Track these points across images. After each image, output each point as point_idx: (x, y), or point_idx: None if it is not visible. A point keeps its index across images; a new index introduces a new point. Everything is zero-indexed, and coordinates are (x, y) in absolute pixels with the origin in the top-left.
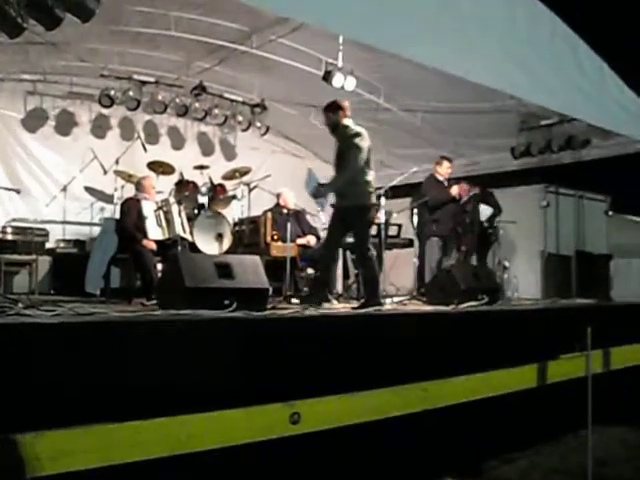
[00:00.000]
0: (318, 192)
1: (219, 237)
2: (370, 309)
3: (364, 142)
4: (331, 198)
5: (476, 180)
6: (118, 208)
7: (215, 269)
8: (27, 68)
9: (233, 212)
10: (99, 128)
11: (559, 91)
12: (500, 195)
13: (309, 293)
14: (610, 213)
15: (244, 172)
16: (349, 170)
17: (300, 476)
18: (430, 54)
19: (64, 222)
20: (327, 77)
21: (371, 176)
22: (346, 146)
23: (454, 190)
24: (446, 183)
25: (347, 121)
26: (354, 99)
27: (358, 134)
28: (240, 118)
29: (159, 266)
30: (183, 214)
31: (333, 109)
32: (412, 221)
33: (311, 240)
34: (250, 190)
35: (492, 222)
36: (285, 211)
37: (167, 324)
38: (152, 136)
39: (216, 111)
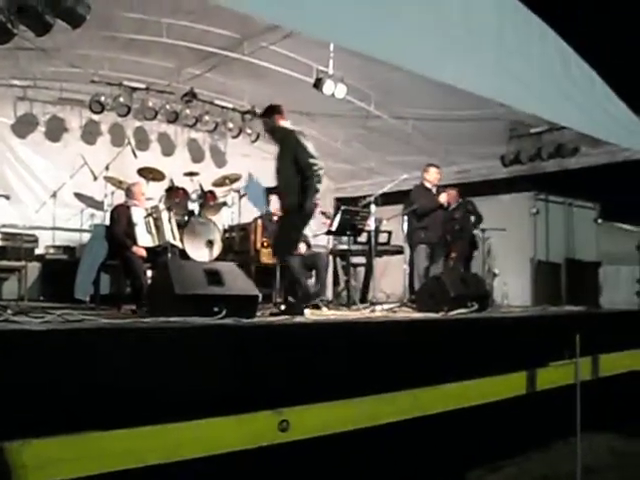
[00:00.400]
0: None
1: (209, 244)
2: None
3: (306, 140)
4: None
5: (466, 188)
6: (108, 214)
7: (205, 276)
8: (17, 74)
9: (223, 219)
10: (89, 134)
11: (549, 99)
12: (490, 203)
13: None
14: (599, 221)
15: (234, 179)
16: (308, 169)
17: None
18: (420, 62)
19: (54, 228)
20: (318, 84)
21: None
22: (287, 147)
23: (442, 198)
24: (435, 190)
25: (284, 123)
26: (345, 107)
27: (299, 132)
28: (231, 125)
29: (149, 273)
30: (173, 221)
31: (269, 113)
32: (402, 228)
33: (301, 247)
34: (240, 197)
35: (473, 230)
36: (275, 218)
37: (157, 331)
38: (142, 142)
39: (207, 118)
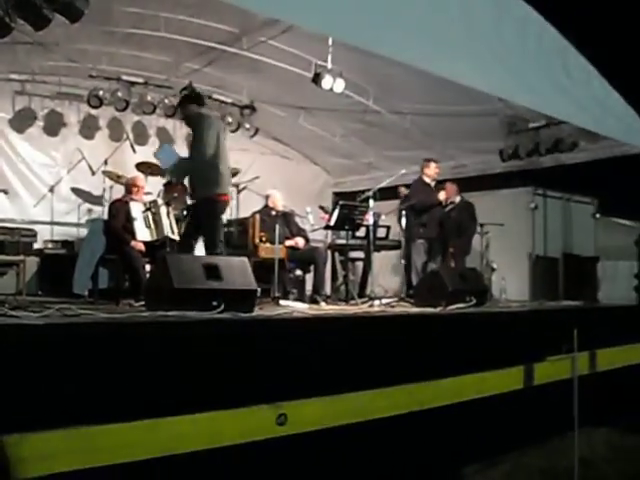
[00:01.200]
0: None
1: None
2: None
3: (212, 129)
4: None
5: (464, 182)
6: (106, 209)
7: (203, 270)
8: (15, 68)
9: None
10: (88, 129)
11: (546, 93)
12: (488, 197)
13: None
14: (597, 216)
15: (233, 173)
16: (199, 156)
17: (286, 478)
18: (418, 56)
19: (52, 223)
20: (316, 79)
21: (223, 165)
22: (198, 133)
23: (441, 196)
24: (434, 185)
25: (201, 110)
26: (343, 101)
27: (213, 118)
28: (229, 119)
29: (147, 267)
30: (171, 215)
31: (185, 102)
32: (400, 223)
33: (299, 242)
34: (239, 191)
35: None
36: (274, 213)
37: (155, 325)
38: (141, 137)
39: None
